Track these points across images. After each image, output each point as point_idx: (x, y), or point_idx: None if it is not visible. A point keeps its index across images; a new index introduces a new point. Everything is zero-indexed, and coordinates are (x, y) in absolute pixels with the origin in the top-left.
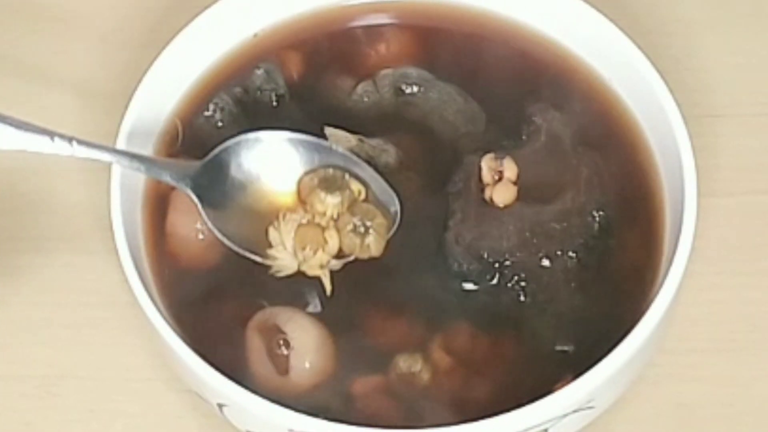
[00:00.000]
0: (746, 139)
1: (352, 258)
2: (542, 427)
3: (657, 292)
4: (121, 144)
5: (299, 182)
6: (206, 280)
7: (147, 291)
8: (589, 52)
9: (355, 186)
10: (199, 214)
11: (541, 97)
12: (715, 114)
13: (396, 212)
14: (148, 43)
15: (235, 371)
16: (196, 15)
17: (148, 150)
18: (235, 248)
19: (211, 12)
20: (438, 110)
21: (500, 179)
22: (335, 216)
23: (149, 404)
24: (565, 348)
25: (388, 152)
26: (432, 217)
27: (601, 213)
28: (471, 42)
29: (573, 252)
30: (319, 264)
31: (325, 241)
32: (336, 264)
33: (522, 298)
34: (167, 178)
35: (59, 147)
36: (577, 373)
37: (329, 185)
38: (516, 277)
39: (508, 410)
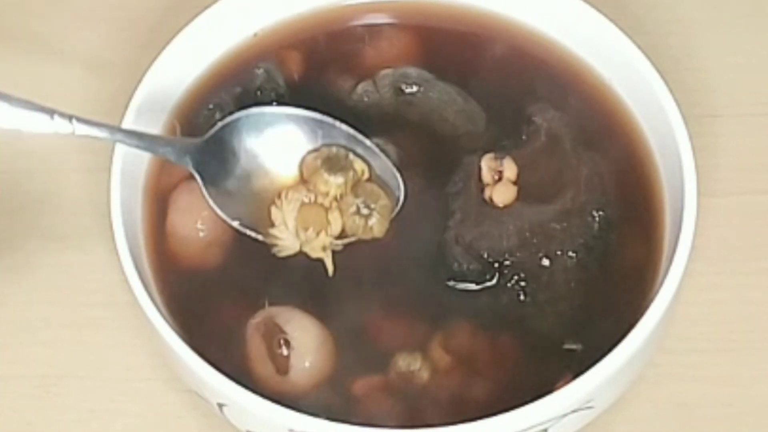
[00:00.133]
0: (746, 139)
1: (353, 239)
2: (542, 427)
3: (657, 291)
4: (121, 145)
5: (302, 162)
6: (206, 280)
7: (147, 291)
8: (589, 52)
9: (359, 165)
10: (201, 192)
11: (541, 97)
12: (715, 114)
13: (399, 191)
14: (148, 43)
15: (235, 371)
16: (196, 15)
17: (147, 152)
18: (237, 226)
19: (211, 12)
20: (438, 110)
21: (500, 179)
22: (338, 196)
23: (149, 404)
24: (573, 347)
25: (388, 152)
26: (432, 217)
27: (601, 213)
28: (471, 42)
29: (573, 252)
30: (322, 246)
31: (328, 223)
32: (338, 244)
33: (522, 298)
34: (169, 156)
35: (59, 125)
36: (577, 373)
37: (332, 165)
38: (516, 277)
39: (507, 410)
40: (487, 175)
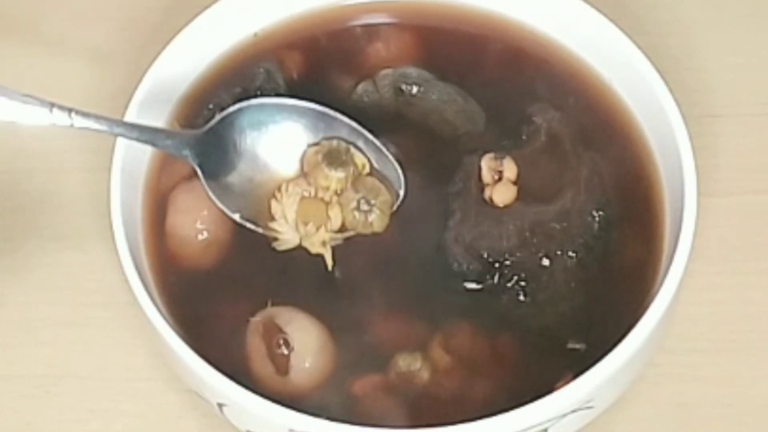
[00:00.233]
0: (746, 139)
1: (353, 233)
2: (542, 427)
3: (657, 291)
4: (121, 143)
5: (303, 156)
6: (206, 280)
7: (147, 291)
8: (589, 52)
9: (359, 160)
10: (201, 188)
11: (541, 97)
12: (715, 114)
13: (400, 184)
14: (148, 43)
15: (235, 371)
16: (196, 15)
17: (146, 152)
18: (237, 219)
19: (211, 12)
20: (438, 110)
21: (500, 179)
22: (339, 191)
23: (149, 404)
24: (577, 346)
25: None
26: (432, 217)
27: (601, 213)
28: (471, 42)
29: (573, 252)
30: (321, 241)
31: (328, 218)
32: (338, 238)
33: (522, 298)
34: (169, 149)
35: (57, 118)
36: (577, 373)
37: (333, 160)
38: (516, 277)
39: (507, 410)
40: (487, 175)
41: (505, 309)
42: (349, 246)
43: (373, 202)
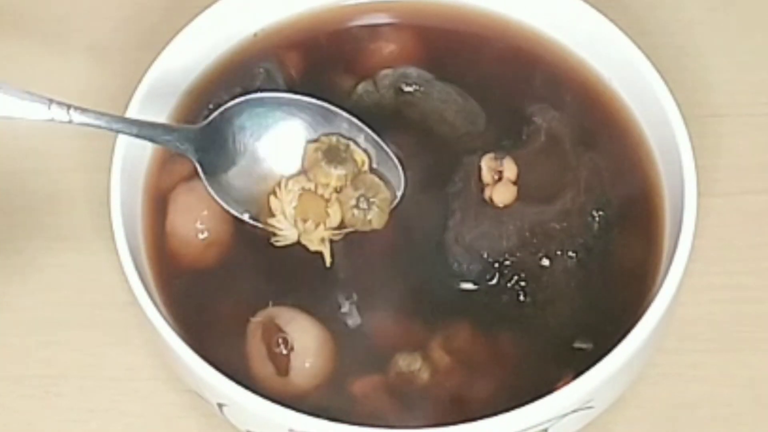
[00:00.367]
0: (746, 139)
1: (351, 229)
2: (542, 427)
3: (657, 291)
4: (121, 143)
5: (303, 152)
6: (206, 280)
7: (147, 291)
8: (589, 52)
9: (359, 156)
10: (201, 184)
11: (541, 97)
12: (716, 114)
13: (400, 180)
14: (148, 43)
15: (235, 371)
16: (196, 15)
17: (146, 152)
18: (235, 214)
19: (211, 12)
20: (438, 110)
21: (500, 179)
22: (338, 188)
23: (149, 404)
24: (583, 346)
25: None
26: (432, 217)
27: (601, 213)
28: (471, 42)
29: (573, 252)
30: (320, 238)
31: (327, 215)
32: (337, 234)
33: (522, 298)
34: (169, 144)
35: (56, 113)
36: (577, 373)
37: (333, 157)
38: (516, 277)
39: (507, 410)
40: (487, 175)
41: (504, 309)
42: (349, 246)
43: (372, 199)
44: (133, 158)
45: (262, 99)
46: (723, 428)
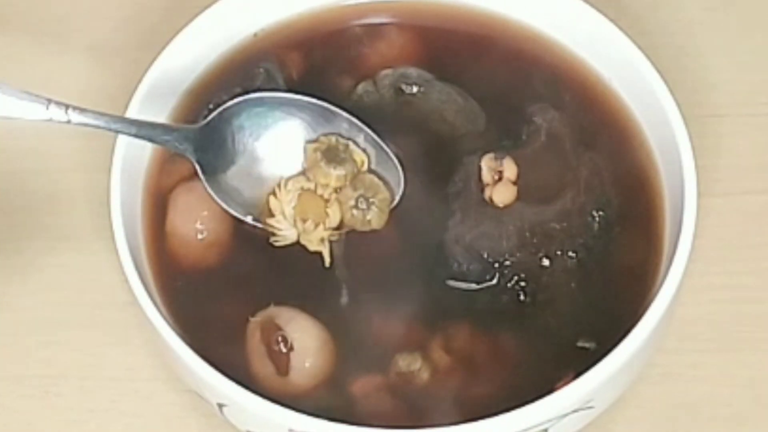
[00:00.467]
0: (746, 139)
1: (348, 229)
2: (542, 427)
3: (657, 291)
4: (121, 143)
5: (303, 152)
6: (206, 280)
7: (147, 291)
8: (589, 52)
9: (358, 157)
10: (200, 184)
11: (541, 97)
12: (716, 114)
13: (399, 180)
14: (148, 43)
15: (235, 371)
16: (196, 15)
17: (146, 152)
18: (235, 213)
19: (211, 12)
20: (438, 110)
21: (500, 179)
22: (338, 189)
23: (149, 404)
24: (587, 345)
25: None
26: (432, 217)
27: (601, 213)
28: (471, 42)
29: (573, 252)
30: (320, 238)
31: (327, 215)
32: (336, 234)
33: (522, 298)
34: (168, 144)
35: (54, 113)
36: (577, 373)
37: (332, 157)
38: (516, 277)
39: (507, 410)
40: (487, 175)
41: (504, 309)
42: (349, 246)
43: (371, 200)
44: (132, 158)
45: (261, 99)
46: (723, 428)
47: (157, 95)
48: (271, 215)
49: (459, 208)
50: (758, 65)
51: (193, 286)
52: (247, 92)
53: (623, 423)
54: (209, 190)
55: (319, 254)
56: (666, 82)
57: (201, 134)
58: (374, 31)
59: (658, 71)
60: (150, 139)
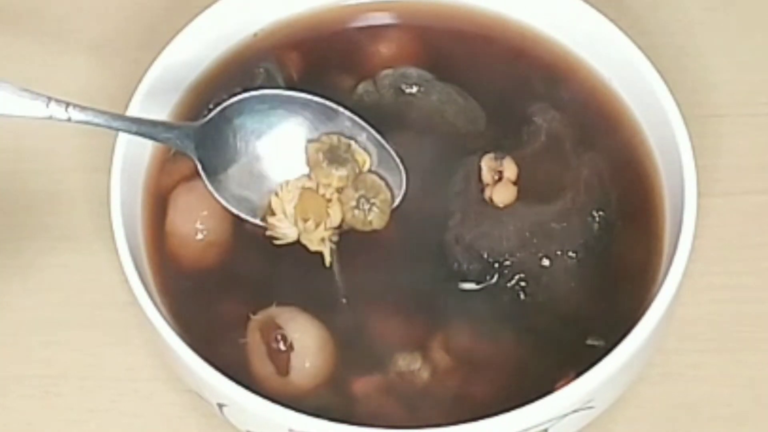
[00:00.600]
0: (746, 139)
1: (348, 228)
2: (542, 427)
3: (657, 291)
4: (121, 143)
5: (305, 152)
6: (206, 280)
7: (147, 291)
8: (589, 52)
9: (360, 156)
10: (201, 183)
11: (541, 97)
12: (716, 114)
13: (401, 179)
14: (148, 43)
15: (235, 371)
16: (196, 15)
17: (146, 152)
18: (236, 212)
19: (211, 12)
20: (438, 110)
21: (500, 179)
22: (340, 189)
23: (149, 404)
24: (595, 343)
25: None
26: (432, 217)
27: (601, 213)
28: (471, 42)
29: (573, 252)
30: (320, 238)
31: (328, 215)
32: (336, 233)
33: (522, 298)
34: (169, 142)
35: (55, 111)
36: (578, 373)
37: (334, 157)
38: (516, 277)
39: (507, 410)
40: (487, 175)
41: (505, 309)
42: (349, 246)
43: (372, 200)
44: (133, 158)
45: (263, 96)
46: (723, 428)
47: (157, 95)
48: (272, 214)
49: (459, 208)
50: (758, 65)
51: (193, 286)
52: (247, 91)
53: (623, 423)
54: (210, 188)
55: (320, 254)
56: (666, 82)
57: (202, 132)
58: (374, 31)
59: (658, 71)
60: (151, 137)
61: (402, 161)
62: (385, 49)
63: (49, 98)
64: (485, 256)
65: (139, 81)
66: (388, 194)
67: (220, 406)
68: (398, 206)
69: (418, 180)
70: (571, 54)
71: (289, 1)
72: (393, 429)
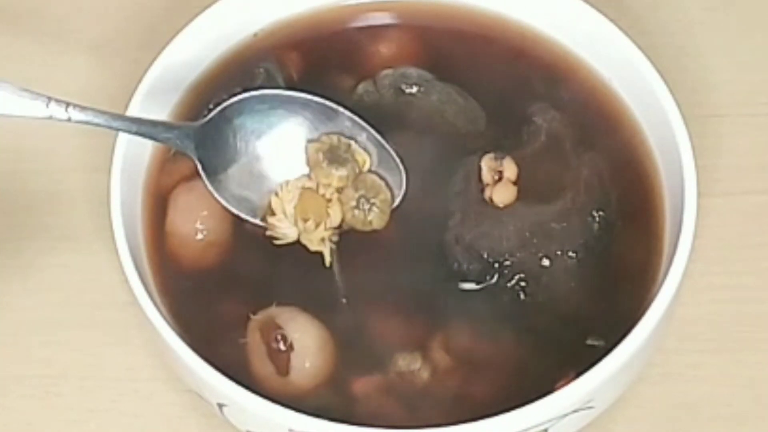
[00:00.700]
0: (746, 139)
1: (348, 228)
2: (542, 427)
3: (657, 291)
4: (121, 143)
5: (305, 152)
6: (206, 280)
7: (147, 291)
8: (589, 52)
9: (360, 156)
10: (201, 182)
11: (541, 97)
12: (716, 114)
13: (401, 179)
14: (148, 43)
15: (235, 371)
16: (196, 15)
17: (146, 152)
18: (236, 212)
19: (211, 12)
20: (438, 110)
21: (500, 179)
22: (340, 189)
23: (149, 404)
24: (595, 343)
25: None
26: (432, 217)
27: (601, 213)
28: (471, 42)
29: (573, 252)
30: (320, 238)
31: (328, 215)
32: (336, 233)
33: (522, 298)
34: (170, 142)
35: (55, 111)
36: (578, 373)
37: (334, 157)
38: (516, 277)
39: (507, 410)
40: (487, 175)
41: (505, 309)
42: (349, 246)
43: (372, 200)
44: (133, 158)
45: (263, 96)
46: (723, 428)
47: (157, 94)
48: (272, 214)
49: (459, 208)
50: (758, 65)
51: (193, 286)
52: (247, 91)
53: (623, 423)
54: (210, 188)
55: (320, 254)
56: (666, 82)
57: (202, 132)
58: (374, 31)
59: (658, 71)
60: (151, 137)
61: (402, 161)
62: (385, 49)
63: (49, 98)
64: (485, 256)
65: (139, 81)
66: (388, 194)
67: (220, 406)
68: (398, 206)
69: (418, 180)
70: (571, 54)
71: (289, 1)
72: (393, 429)
